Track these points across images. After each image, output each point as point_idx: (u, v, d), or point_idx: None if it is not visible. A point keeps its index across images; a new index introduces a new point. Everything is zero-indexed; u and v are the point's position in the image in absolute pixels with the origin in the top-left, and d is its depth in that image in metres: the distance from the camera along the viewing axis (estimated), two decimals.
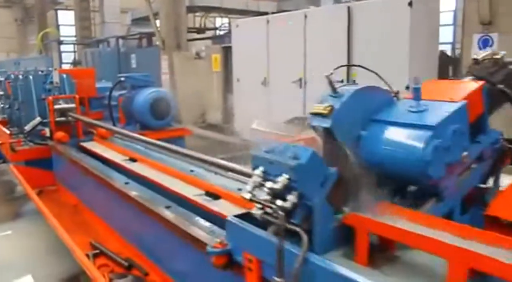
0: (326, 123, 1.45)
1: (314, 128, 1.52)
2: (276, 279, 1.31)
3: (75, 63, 16.92)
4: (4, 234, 4.51)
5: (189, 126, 7.47)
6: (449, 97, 1.57)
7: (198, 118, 10.09)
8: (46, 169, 4.55)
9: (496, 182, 1.76)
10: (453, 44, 14.28)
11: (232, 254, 1.59)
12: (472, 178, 1.62)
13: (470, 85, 1.73)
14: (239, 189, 2.34)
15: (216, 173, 2.74)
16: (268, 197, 1.36)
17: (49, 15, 19.44)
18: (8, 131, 5.20)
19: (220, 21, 15.55)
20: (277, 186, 1.33)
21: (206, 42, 12.95)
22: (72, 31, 19.33)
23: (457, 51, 9.73)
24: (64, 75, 4.84)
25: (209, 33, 14.19)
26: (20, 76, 5.19)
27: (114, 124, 5.09)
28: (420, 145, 1.39)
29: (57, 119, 4.41)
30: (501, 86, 1.77)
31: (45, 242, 4.04)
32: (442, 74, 7.72)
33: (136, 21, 16.40)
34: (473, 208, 1.60)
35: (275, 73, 7.78)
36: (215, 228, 1.98)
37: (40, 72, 5.06)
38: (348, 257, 1.37)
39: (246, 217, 1.52)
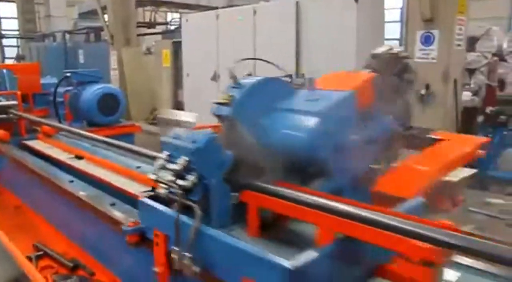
0: (227, 111, 1.65)
1: (217, 116, 1.69)
2: (174, 248, 1.51)
3: (18, 58, 16.19)
4: None
5: (139, 122, 7.35)
6: (341, 87, 1.72)
7: (149, 115, 9.94)
8: None
9: (389, 163, 1.91)
10: (400, 40, 14.77)
11: (144, 232, 1.75)
12: (364, 159, 1.76)
13: (361, 76, 1.87)
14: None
15: None
16: (172, 178, 1.52)
17: None
18: None
19: (171, 16, 15.34)
20: (177, 167, 1.51)
21: (156, 37, 12.74)
22: (14, 24, 18.48)
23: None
24: (5, 71, 4.65)
25: (159, 28, 13.96)
26: None
27: (60, 122, 4.95)
28: (307, 129, 1.57)
29: None
30: (392, 78, 1.94)
31: None
32: None
33: (84, 15, 15.91)
34: (364, 186, 1.76)
35: (225, 68, 7.75)
36: None
37: None
38: (243, 230, 1.56)
39: (157, 198, 1.67)
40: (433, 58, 5.58)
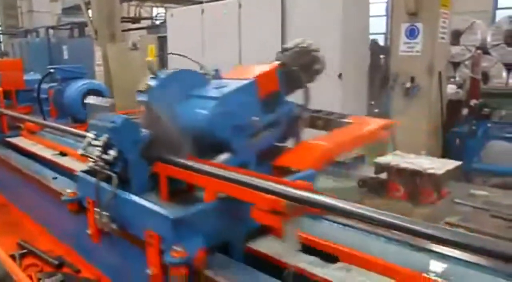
0: (144, 97, 1.93)
1: (139, 102, 1.96)
2: (96, 209, 1.80)
3: (1, 54, 15.96)
4: None
5: None
6: (246, 76, 1.99)
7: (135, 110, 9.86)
8: None
9: (294, 141, 2.19)
10: (386, 34, 14.85)
11: (80, 201, 2.03)
12: (268, 138, 2.05)
13: (265, 67, 2.12)
14: None
15: None
16: (99, 153, 1.77)
17: None
18: None
19: (156, 11, 15.21)
20: (99, 143, 1.78)
21: (141, 33, 12.63)
22: None
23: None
24: None
25: (144, 23, 13.84)
26: None
27: (44, 118, 4.88)
28: (207, 112, 1.86)
29: None
30: (295, 69, 2.16)
31: None
32: (374, 63, 8.01)
33: (67, 11, 15.70)
34: (268, 161, 2.02)
35: (210, 62, 7.71)
36: None
37: None
38: (157, 196, 1.84)
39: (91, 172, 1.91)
40: (417, 51, 5.61)
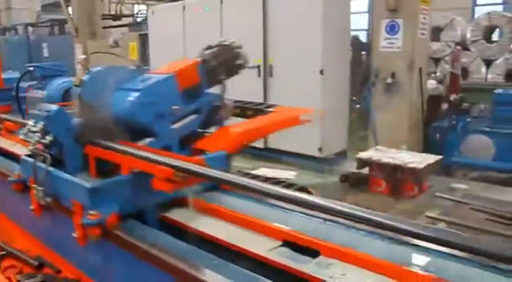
0: (78, 91, 2.19)
1: (74, 94, 2.24)
2: (33, 185, 2.09)
3: None
4: None
5: None
6: (168, 71, 2.25)
7: None
8: None
9: (212, 127, 2.45)
10: (368, 30, 14.96)
11: (25, 181, 2.27)
12: (189, 124, 2.29)
13: (187, 63, 2.37)
14: None
15: None
16: (37, 139, 2.03)
17: None
18: None
19: (137, 8, 15.05)
20: (36, 129, 2.04)
21: (123, 30, 12.50)
22: None
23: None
24: None
25: (126, 21, 13.69)
26: None
27: (23, 117, 4.80)
28: (130, 101, 2.10)
29: None
30: (215, 64, 2.40)
31: None
32: (356, 59, 8.07)
33: (47, 8, 15.46)
34: (189, 144, 2.29)
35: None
36: None
37: None
38: (88, 174, 2.10)
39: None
40: (398, 47, 5.67)
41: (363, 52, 9.05)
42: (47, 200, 2.07)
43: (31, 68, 5.24)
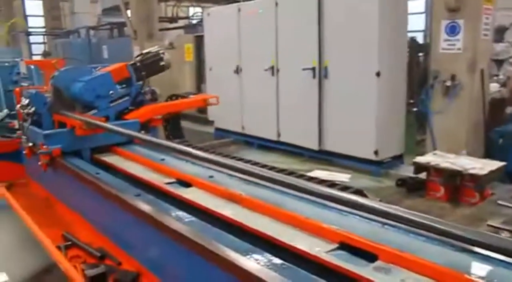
0: (52, 81, 3.32)
1: (49, 83, 3.39)
2: (22, 137, 3.47)
3: (45, 54, 16.50)
4: None
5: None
6: (107, 70, 3.47)
7: None
8: (16, 162, 4.46)
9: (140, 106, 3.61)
10: (425, 31, 14.53)
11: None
12: (122, 103, 3.47)
13: (119, 64, 3.52)
14: (211, 176, 2.47)
15: (187, 161, 2.80)
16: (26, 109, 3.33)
17: (15, 4, 18.83)
18: None
19: (193, 10, 15.37)
20: (24, 103, 3.36)
21: (178, 32, 12.81)
22: (41, 21, 18.83)
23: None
24: (32, 67, 4.74)
25: (181, 23, 14.03)
26: None
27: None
28: (79, 88, 3.22)
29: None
30: (139, 65, 3.56)
31: (17, 236, 3.97)
32: (413, 61, 7.85)
33: (107, 11, 16.10)
34: (121, 116, 3.46)
35: (247, 61, 7.78)
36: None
37: (6, 64, 4.95)
38: None
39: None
40: (458, 49, 5.47)
41: (420, 54, 8.79)
42: (29, 144, 3.30)
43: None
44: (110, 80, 3.36)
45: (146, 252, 2.25)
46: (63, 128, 3.20)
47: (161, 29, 11.27)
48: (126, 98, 3.48)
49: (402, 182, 5.34)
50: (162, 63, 3.71)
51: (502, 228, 3.67)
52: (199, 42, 9.46)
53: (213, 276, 1.70)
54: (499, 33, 7.45)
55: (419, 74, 8.08)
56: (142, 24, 10.00)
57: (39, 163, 3.13)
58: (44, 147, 3.02)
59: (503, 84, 7.02)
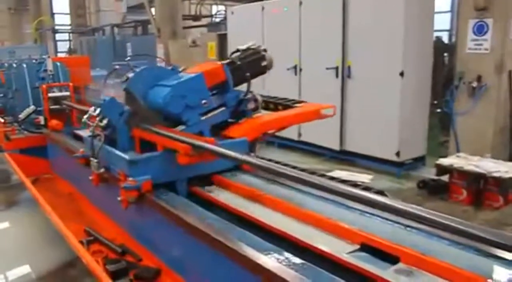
0: (124, 86, 2.59)
1: (122, 88, 2.62)
2: (91, 158, 2.62)
3: (70, 52, 16.80)
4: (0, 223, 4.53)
5: None
6: (197, 71, 2.59)
7: None
8: (41, 157, 4.56)
9: (240, 118, 2.74)
10: (450, 31, 14.28)
11: (87, 157, 2.82)
12: (218, 115, 2.62)
13: (215, 64, 2.71)
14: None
15: None
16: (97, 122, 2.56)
17: (43, 3, 19.20)
18: (2, 120, 5.19)
19: (216, 9, 15.43)
20: (94, 114, 2.59)
21: (201, 30, 12.87)
22: (67, 19, 19.16)
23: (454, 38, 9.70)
24: (58, 64, 4.82)
25: (204, 21, 14.08)
26: (14, 65, 5.16)
27: None
28: (163, 95, 2.44)
29: (51, 107, 4.40)
30: (240, 65, 2.70)
31: (41, 230, 4.07)
32: (437, 61, 7.73)
33: (131, 9, 16.24)
34: (219, 132, 2.63)
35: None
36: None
37: (34, 61, 5.04)
38: (134, 151, 2.55)
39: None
40: (486, 49, 5.35)
41: (445, 54, 8.65)
42: (100, 170, 2.58)
43: (117, 67, 5.56)
44: (203, 85, 2.52)
45: (167, 250, 2.26)
46: (145, 147, 2.50)
47: (184, 27, 11.33)
48: (223, 108, 2.64)
49: (424, 184, 5.26)
50: (264, 63, 2.84)
51: None
52: (222, 41, 9.47)
53: (234, 274, 1.71)
54: None
55: (444, 75, 7.95)
56: (166, 22, 10.08)
57: (118, 199, 2.33)
58: (131, 179, 2.23)
59: None
